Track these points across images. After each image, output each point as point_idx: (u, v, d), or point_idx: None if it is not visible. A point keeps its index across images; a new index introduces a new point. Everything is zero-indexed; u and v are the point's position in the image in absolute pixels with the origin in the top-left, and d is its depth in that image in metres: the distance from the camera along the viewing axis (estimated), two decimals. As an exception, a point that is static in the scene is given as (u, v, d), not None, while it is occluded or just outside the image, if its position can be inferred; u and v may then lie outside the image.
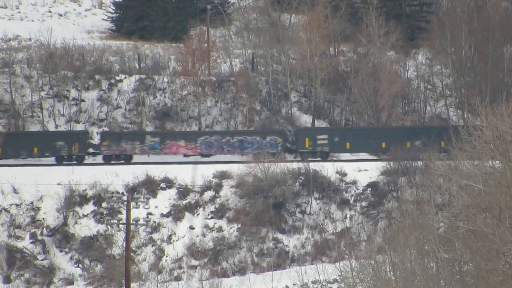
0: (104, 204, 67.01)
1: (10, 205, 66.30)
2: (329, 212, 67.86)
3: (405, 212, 43.36)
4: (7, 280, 62.49)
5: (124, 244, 48.90)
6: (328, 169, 69.37)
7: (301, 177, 68.74)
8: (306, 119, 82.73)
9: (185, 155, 73.62)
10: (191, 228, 66.33)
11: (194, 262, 64.38)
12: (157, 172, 68.95)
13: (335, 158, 73.34)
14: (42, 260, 64.14)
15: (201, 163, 71.73)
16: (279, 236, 66.33)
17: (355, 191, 68.98)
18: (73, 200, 66.82)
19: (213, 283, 57.38)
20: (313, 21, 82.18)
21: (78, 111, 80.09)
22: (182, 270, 63.91)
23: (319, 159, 72.71)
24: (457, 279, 32.42)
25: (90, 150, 73.61)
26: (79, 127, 78.93)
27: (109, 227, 64.65)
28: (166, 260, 64.59)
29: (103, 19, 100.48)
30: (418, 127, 76.84)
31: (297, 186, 68.28)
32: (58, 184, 66.92)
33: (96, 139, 75.98)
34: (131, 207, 41.68)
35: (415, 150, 69.32)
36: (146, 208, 64.51)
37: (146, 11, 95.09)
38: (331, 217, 67.62)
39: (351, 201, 68.52)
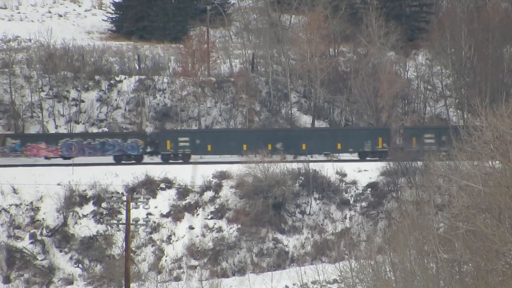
0: (103, 204, 67.03)
1: (10, 205, 66.32)
2: (329, 213, 67.87)
3: (404, 212, 43.32)
4: (7, 280, 62.50)
5: (124, 244, 48.88)
6: (328, 169, 69.38)
7: (301, 177, 68.75)
8: (306, 120, 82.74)
9: (46, 157, 73.02)
10: (191, 228, 66.34)
11: (193, 262, 64.38)
12: (157, 172, 68.97)
13: (335, 158, 73.35)
14: (41, 260, 64.15)
15: (201, 163, 71.75)
16: (279, 236, 66.34)
17: (355, 191, 68.98)
18: (73, 200, 66.84)
19: (212, 283, 57.39)
20: (313, 21, 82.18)
21: (78, 111, 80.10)
22: (181, 270, 63.91)
23: (180, 161, 72.68)
24: (457, 280, 32.41)
25: None
26: (79, 127, 78.94)
27: (108, 227, 64.68)
28: (165, 260, 64.60)
29: (103, 20, 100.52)
30: (278, 130, 77.39)
31: (297, 186, 68.28)
32: (58, 184, 66.94)
33: None
34: (131, 207, 41.72)
35: (277, 152, 70.83)
36: (146, 208, 64.61)
37: (146, 12, 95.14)
38: (331, 217, 67.63)
39: (351, 202, 68.52)
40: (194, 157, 73.62)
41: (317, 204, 68.21)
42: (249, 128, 79.02)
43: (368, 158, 73.49)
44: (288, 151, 73.27)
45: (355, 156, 74.61)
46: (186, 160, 73.21)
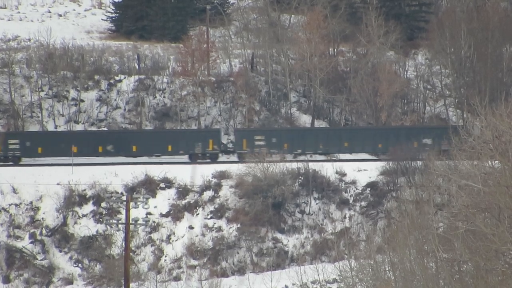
0: (103, 204, 67.02)
1: (10, 205, 66.31)
2: (329, 212, 67.88)
3: (404, 212, 43.34)
4: (7, 280, 62.49)
5: (124, 244, 48.88)
6: (327, 169, 69.39)
7: (300, 177, 68.76)
8: (305, 119, 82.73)
9: None
10: (191, 228, 66.34)
11: (193, 262, 64.39)
12: (157, 172, 68.96)
13: (334, 158, 73.35)
14: (41, 260, 64.14)
15: (201, 163, 71.78)
16: (279, 236, 66.34)
17: (354, 191, 69.00)
18: (73, 200, 66.83)
19: (212, 283, 57.36)
20: (312, 21, 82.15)
21: (78, 111, 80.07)
22: (181, 270, 63.91)
23: (11, 163, 72.25)
24: (456, 279, 32.42)
25: None
26: (78, 127, 78.93)
27: (108, 227, 64.64)
28: (165, 260, 64.59)
29: (102, 19, 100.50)
30: (109, 132, 77.22)
31: (297, 186, 68.30)
32: (58, 184, 66.93)
33: None
34: (131, 207, 41.69)
35: (109, 154, 71.79)
36: (146, 208, 64.57)
37: (145, 11, 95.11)
38: (330, 217, 67.64)
39: (351, 201, 68.54)
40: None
41: (316, 203, 68.22)
42: (79, 131, 77.67)
43: (199, 161, 72.95)
44: (119, 153, 73.14)
45: (185, 158, 73.66)
46: (16, 162, 72.28)
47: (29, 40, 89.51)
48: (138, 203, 43.11)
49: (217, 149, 74.03)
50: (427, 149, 68.90)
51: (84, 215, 66.53)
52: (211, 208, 67.70)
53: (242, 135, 74.97)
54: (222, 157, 74.62)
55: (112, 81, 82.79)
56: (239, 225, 66.24)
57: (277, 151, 72.65)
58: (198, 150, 73.71)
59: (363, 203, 68.48)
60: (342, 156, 74.95)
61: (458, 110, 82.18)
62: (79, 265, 64.35)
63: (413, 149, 69.68)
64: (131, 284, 45.06)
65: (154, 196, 67.53)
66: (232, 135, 77.97)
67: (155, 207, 66.94)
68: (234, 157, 74.46)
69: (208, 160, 73.15)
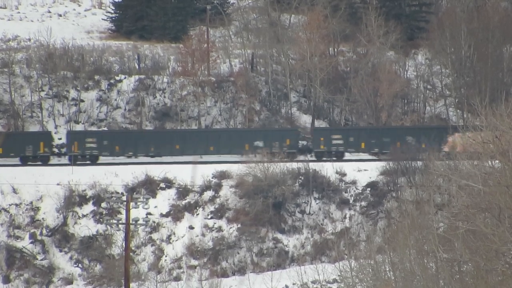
0: (103, 204, 67.01)
1: (10, 205, 66.30)
2: (329, 212, 67.86)
3: (404, 212, 43.32)
4: (7, 280, 62.48)
5: (124, 244, 48.85)
6: (327, 169, 69.36)
7: (300, 177, 68.73)
8: (305, 119, 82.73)
9: None
10: (191, 228, 66.32)
11: (193, 262, 64.37)
12: (157, 172, 68.93)
13: (334, 158, 73.37)
14: (41, 260, 64.13)
15: (201, 163, 71.74)
16: (279, 236, 66.32)
17: (354, 191, 68.98)
18: (73, 200, 66.82)
19: (212, 283, 57.35)
20: (312, 21, 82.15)
21: (78, 111, 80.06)
22: (181, 270, 63.90)
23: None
24: (457, 279, 32.41)
25: None
26: (79, 127, 78.93)
27: (108, 227, 64.62)
28: (165, 260, 64.58)
29: (102, 19, 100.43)
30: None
31: (297, 186, 68.27)
32: (58, 184, 66.91)
33: None
34: (131, 207, 41.67)
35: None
36: (146, 208, 64.24)
37: (145, 11, 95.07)
38: (330, 217, 67.62)
39: (351, 201, 68.52)
40: None
41: (317, 203, 68.20)
42: None
43: (30, 163, 72.09)
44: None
45: (16, 161, 72.43)
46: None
47: (29, 40, 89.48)
48: (138, 203, 43.08)
49: (48, 152, 73.20)
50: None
51: (84, 215, 66.52)
52: (212, 208, 67.68)
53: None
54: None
55: (112, 81, 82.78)
56: (239, 225, 66.22)
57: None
58: (29, 153, 72.71)
59: (363, 203, 68.46)
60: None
61: (458, 110, 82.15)
62: (79, 265, 64.34)
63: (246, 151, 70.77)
64: (131, 284, 45.04)
65: (154, 196, 67.50)
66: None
67: (155, 207, 66.91)
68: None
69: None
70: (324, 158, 72.84)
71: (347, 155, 74.59)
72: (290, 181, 67.99)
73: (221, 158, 72.68)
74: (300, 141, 75.53)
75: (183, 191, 68.28)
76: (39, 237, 65.22)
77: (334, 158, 72.79)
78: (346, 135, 74.53)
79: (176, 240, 65.64)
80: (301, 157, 73.47)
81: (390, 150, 70.94)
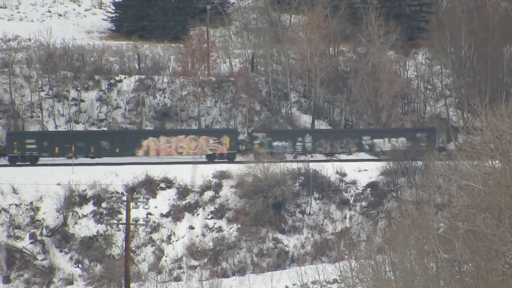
0: (103, 204, 67.00)
1: (10, 205, 66.29)
2: (329, 212, 67.86)
3: (404, 212, 43.32)
4: (7, 280, 62.45)
5: (124, 244, 48.86)
6: (328, 169, 69.37)
7: (301, 177, 68.73)
8: (306, 119, 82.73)
9: None
10: (191, 228, 66.32)
11: (193, 262, 64.37)
12: (157, 172, 68.94)
13: (335, 158, 73.40)
14: (41, 260, 64.12)
15: (201, 163, 71.76)
16: (279, 236, 66.32)
17: (354, 191, 68.98)
18: (73, 200, 66.80)
19: (212, 283, 57.35)
20: (313, 21, 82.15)
21: (78, 111, 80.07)
22: (181, 270, 63.89)
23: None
24: (457, 279, 32.41)
25: None
26: (79, 127, 78.93)
27: (108, 227, 64.60)
28: (165, 260, 64.58)
29: (102, 19, 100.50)
30: None
31: (297, 186, 68.27)
32: (58, 184, 66.90)
33: None
34: (131, 207, 41.70)
35: None
36: (146, 208, 64.32)
37: (145, 11, 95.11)
38: (330, 217, 67.62)
39: (351, 201, 68.52)
40: None
41: (317, 204, 68.20)
42: None
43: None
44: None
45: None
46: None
47: (29, 40, 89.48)
48: (139, 203, 43.13)
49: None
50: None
51: (84, 215, 66.50)
52: (212, 208, 67.68)
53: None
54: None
55: (112, 81, 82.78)
56: (239, 226, 66.22)
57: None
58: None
59: (363, 203, 68.47)
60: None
61: (458, 110, 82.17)
62: (80, 265, 64.33)
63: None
64: (131, 285, 45.05)
65: (154, 196, 67.51)
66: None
67: (155, 207, 66.91)
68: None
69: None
70: (18, 163, 71.50)
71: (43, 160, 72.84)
72: (290, 181, 67.99)
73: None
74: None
75: (183, 191, 68.29)
76: (39, 237, 65.20)
77: (28, 163, 71.72)
78: (40, 140, 72.95)
79: (176, 240, 65.64)
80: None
81: (85, 154, 71.03)
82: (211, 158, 73.06)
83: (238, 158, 73.66)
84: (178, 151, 73.39)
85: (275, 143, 74.21)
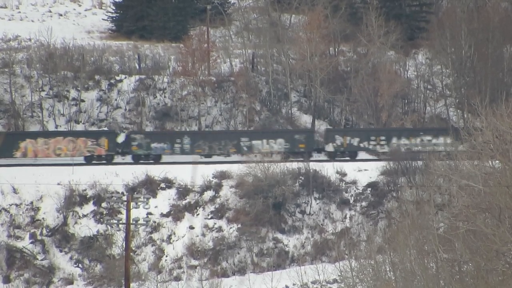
0: (104, 204, 67.00)
1: (10, 205, 66.28)
2: (329, 212, 67.87)
3: (405, 212, 43.34)
4: (7, 280, 62.43)
5: (124, 244, 48.90)
6: (328, 169, 69.38)
7: (301, 177, 68.74)
8: (306, 119, 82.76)
9: None
10: (191, 228, 66.33)
11: (194, 262, 64.37)
12: (157, 172, 68.96)
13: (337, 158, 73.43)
14: (41, 260, 64.12)
15: (201, 163, 71.77)
16: (279, 236, 66.33)
17: (355, 191, 68.99)
18: (73, 200, 66.80)
19: (213, 283, 57.38)
20: (313, 21, 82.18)
21: (78, 111, 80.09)
22: (182, 270, 63.90)
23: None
24: (457, 279, 32.42)
25: None
26: (79, 127, 78.95)
27: (109, 227, 64.61)
28: (165, 260, 64.58)
29: (103, 19, 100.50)
30: None
31: (297, 186, 68.27)
32: (58, 184, 66.90)
33: None
34: (131, 207, 41.73)
35: None
36: (146, 208, 64.45)
37: (146, 11, 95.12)
38: (331, 217, 67.62)
39: (351, 201, 68.52)
40: None
41: (317, 203, 68.21)
42: None
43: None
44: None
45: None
46: None
47: (30, 40, 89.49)
48: (139, 203, 43.16)
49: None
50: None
51: (84, 215, 66.51)
52: (212, 208, 67.69)
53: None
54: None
55: (112, 81, 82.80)
56: (239, 225, 66.23)
57: None
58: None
59: (363, 203, 68.47)
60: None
61: (458, 110, 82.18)
62: (80, 265, 64.33)
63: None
64: (131, 284, 45.07)
65: (154, 196, 67.54)
66: None
67: (155, 207, 66.93)
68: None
69: None
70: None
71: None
72: (290, 181, 68.00)
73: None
74: None
75: (183, 191, 68.30)
76: (39, 237, 65.20)
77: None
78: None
79: (177, 240, 65.65)
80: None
81: None
82: (89, 160, 72.74)
83: (117, 159, 73.31)
84: (56, 153, 72.89)
85: (153, 145, 73.91)
